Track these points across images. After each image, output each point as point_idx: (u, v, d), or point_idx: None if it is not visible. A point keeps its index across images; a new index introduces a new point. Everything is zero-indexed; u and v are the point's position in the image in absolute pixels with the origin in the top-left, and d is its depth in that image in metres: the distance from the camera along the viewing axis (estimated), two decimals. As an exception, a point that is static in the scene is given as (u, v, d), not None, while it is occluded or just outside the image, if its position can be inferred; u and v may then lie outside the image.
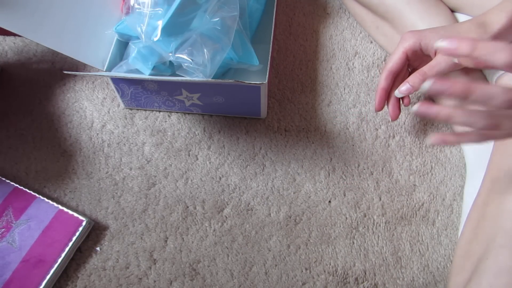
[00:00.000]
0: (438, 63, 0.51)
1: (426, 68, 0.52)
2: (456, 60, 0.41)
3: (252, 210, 0.58)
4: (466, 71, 0.57)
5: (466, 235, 0.50)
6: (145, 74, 0.57)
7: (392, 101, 0.57)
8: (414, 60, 0.56)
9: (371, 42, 0.71)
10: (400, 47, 0.54)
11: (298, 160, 0.62)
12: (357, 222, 0.57)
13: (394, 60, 0.54)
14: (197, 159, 0.62)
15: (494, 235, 0.46)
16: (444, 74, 0.52)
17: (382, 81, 0.56)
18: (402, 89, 0.54)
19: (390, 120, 0.62)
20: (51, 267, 0.53)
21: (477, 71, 0.58)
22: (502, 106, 0.33)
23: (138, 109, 0.66)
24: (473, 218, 0.50)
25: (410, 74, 0.59)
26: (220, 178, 0.60)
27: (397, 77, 0.57)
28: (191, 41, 0.54)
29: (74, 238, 0.54)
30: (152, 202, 0.59)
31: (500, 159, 0.50)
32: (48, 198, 0.58)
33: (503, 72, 0.53)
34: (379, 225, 0.57)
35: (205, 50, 0.54)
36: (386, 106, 0.58)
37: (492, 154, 0.52)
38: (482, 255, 0.46)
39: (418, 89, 0.53)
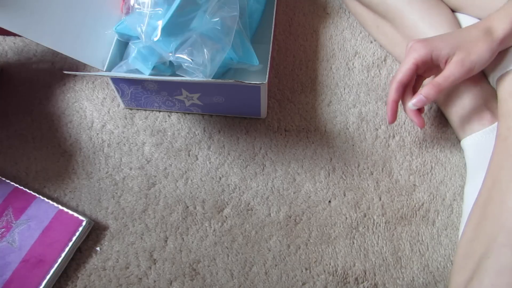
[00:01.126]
0: (452, 73, 0.50)
1: (440, 79, 0.51)
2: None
3: (252, 210, 0.58)
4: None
5: (467, 234, 0.50)
6: (145, 74, 0.57)
7: (411, 112, 0.55)
8: (422, 69, 0.55)
9: (371, 42, 0.71)
10: (410, 58, 0.52)
11: (298, 160, 0.62)
12: (357, 222, 0.57)
13: (405, 72, 0.53)
14: (197, 159, 0.62)
15: (495, 234, 0.46)
16: (457, 83, 0.52)
17: (392, 93, 0.54)
18: (415, 102, 0.53)
19: (420, 128, 0.60)
20: (51, 267, 0.53)
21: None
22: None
23: (138, 109, 0.66)
24: (475, 217, 0.50)
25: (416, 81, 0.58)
26: (220, 178, 0.60)
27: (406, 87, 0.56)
28: (191, 41, 0.54)
29: (74, 238, 0.54)
30: (152, 202, 0.59)
31: (502, 158, 0.50)
32: (48, 198, 0.58)
33: (503, 72, 0.53)
34: (379, 225, 0.57)
35: (205, 50, 0.54)
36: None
37: (493, 153, 0.52)
38: (484, 254, 0.46)
39: (432, 100, 0.52)
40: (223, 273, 0.55)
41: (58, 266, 0.53)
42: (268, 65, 0.59)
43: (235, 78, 0.62)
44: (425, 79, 0.58)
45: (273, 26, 0.63)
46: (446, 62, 0.52)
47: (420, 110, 0.56)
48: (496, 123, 0.56)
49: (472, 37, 0.51)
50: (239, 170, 0.61)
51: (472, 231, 0.50)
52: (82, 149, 0.63)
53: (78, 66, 0.70)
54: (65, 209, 0.57)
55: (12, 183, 0.59)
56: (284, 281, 0.54)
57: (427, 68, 0.55)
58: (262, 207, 0.58)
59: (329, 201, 0.59)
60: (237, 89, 0.58)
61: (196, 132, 0.64)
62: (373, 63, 0.69)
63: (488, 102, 0.57)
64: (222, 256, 0.56)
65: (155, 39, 0.53)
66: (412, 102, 0.53)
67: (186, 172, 0.61)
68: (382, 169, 0.61)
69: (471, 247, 0.49)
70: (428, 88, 0.52)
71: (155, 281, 0.54)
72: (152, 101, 0.63)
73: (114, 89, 0.62)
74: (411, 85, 0.56)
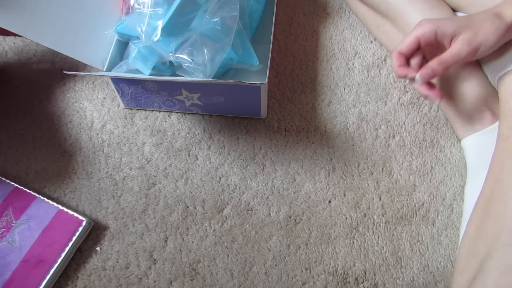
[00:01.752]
0: (459, 51, 0.50)
1: (447, 56, 0.51)
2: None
3: (252, 210, 0.58)
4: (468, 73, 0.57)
5: (469, 234, 0.50)
6: (145, 74, 0.57)
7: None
8: (426, 48, 0.55)
9: (371, 42, 0.71)
10: (414, 32, 0.53)
11: (298, 160, 0.62)
12: (357, 222, 0.57)
13: (404, 43, 0.53)
14: (197, 159, 0.62)
15: (498, 234, 0.46)
16: (462, 62, 0.52)
17: (395, 61, 0.54)
18: (423, 73, 0.52)
19: (439, 100, 0.58)
20: (51, 267, 0.53)
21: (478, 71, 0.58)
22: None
23: (138, 109, 0.66)
24: (477, 217, 0.50)
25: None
26: (220, 178, 0.60)
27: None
28: (191, 41, 0.54)
29: (74, 238, 0.54)
30: (152, 202, 0.59)
31: (503, 158, 0.50)
32: (48, 198, 0.58)
33: (504, 71, 0.53)
34: (379, 225, 0.57)
35: (205, 50, 0.54)
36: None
37: (495, 153, 0.52)
38: (487, 254, 0.46)
39: (438, 75, 0.52)
40: (223, 273, 0.55)
41: (58, 266, 0.53)
42: (268, 65, 0.59)
43: (235, 78, 0.62)
44: (427, 61, 0.57)
45: (273, 26, 0.63)
46: (451, 42, 0.52)
47: (430, 85, 0.55)
48: (496, 123, 0.56)
49: (480, 19, 0.51)
50: (239, 170, 0.61)
51: (474, 231, 0.50)
52: (82, 149, 0.63)
53: (78, 66, 0.70)
54: (65, 209, 0.57)
55: (12, 183, 0.59)
56: (284, 281, 0.54)
57: (431, 47, 0.54)
58: (262, 207, 0.58)
59: (329, 201, 0.59)
60: (237, 89, 0.58)
61: (196, 132, 0.64)
62: (373, 63, 0.69)
63: (489, 102, 0.57)
64: (222, 256, 0.56)
65: (155, 39, 0.53)
66: (420, 73, 0.52)
67: (186, 172, 0.61)
68: (382, 169, 0.61)
69: (474, 247, 0.49)
70: (435, 63, 0.51)
71: (155, 281, 0.54)
72: (152, 101, 0.63)
73: (114, 89, 0.62)
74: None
